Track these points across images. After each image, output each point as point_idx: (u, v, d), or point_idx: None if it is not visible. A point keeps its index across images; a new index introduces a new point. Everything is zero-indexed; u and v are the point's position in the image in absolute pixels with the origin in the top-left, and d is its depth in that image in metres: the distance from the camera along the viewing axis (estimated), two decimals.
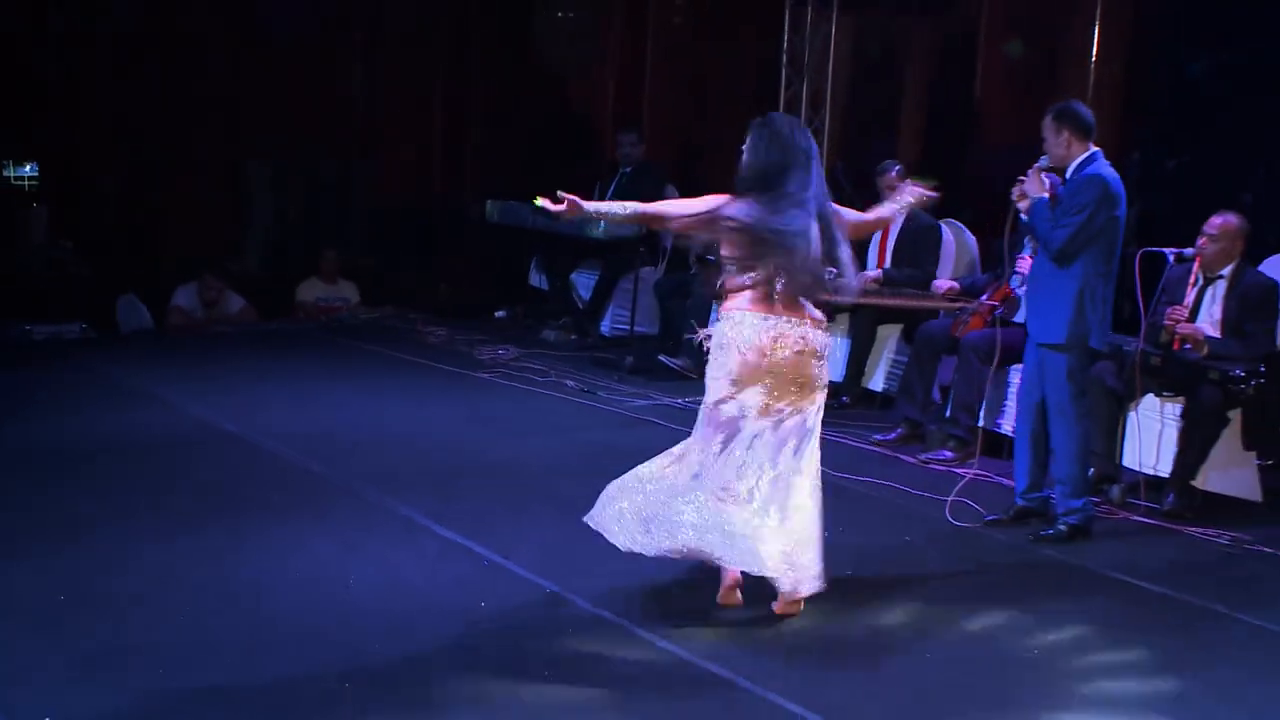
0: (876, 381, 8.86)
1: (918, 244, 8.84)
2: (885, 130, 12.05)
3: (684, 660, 4.80)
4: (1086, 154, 6.35)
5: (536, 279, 11.01)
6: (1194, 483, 6.93)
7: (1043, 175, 6.42)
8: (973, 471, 6.96)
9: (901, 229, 8.78)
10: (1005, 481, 7.05)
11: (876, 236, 8.86)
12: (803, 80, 11.44)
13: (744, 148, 5.22)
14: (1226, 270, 7.08)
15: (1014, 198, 6.48)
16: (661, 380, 9.19)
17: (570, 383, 8.96)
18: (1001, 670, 4.93)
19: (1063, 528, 6.42)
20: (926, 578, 5.83)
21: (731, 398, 5.17)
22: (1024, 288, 7.79)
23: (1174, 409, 7.02)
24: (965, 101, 11.69)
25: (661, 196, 9.72)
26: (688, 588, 5.44)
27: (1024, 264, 7.78)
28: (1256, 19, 9.34)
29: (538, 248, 10.81)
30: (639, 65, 12.60)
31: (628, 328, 10.42)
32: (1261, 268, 7.36)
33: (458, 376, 9.15)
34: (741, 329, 5.15)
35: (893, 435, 8.07)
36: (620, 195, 10.16)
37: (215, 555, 5.57)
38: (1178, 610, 5.63)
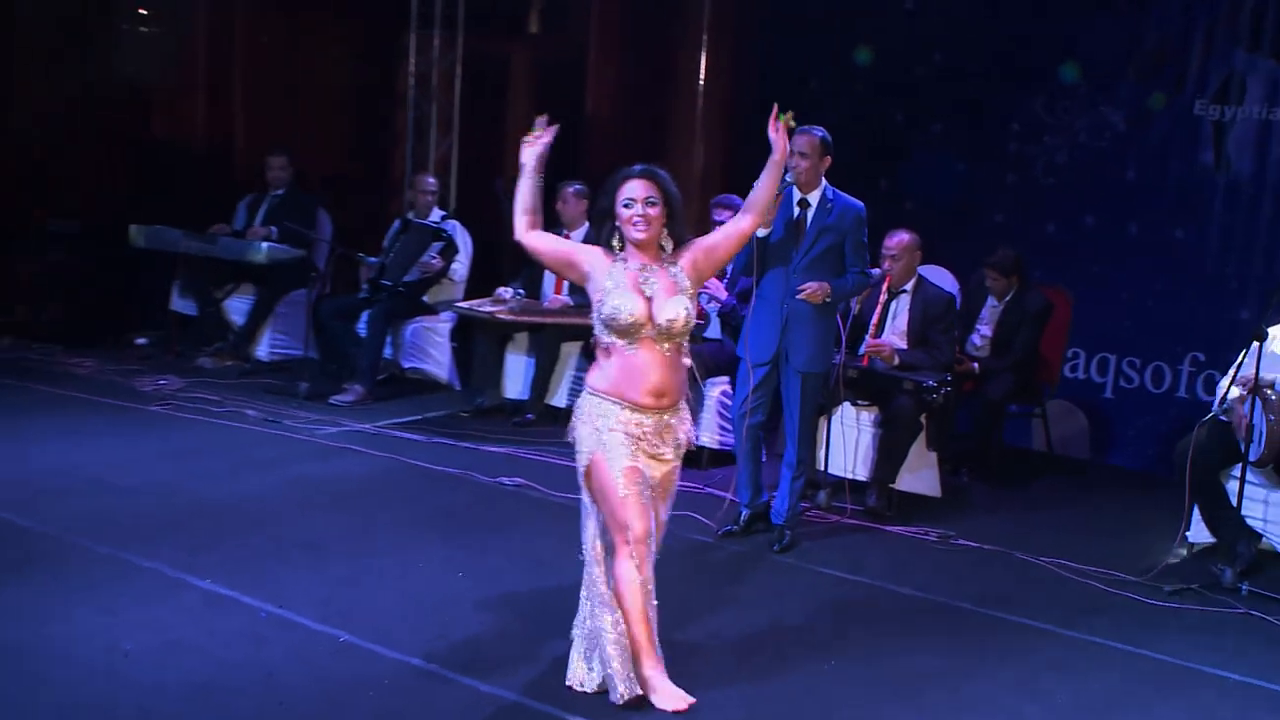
0: (560, 398, 8.77)
1: None
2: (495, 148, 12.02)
3: (515, 703, 4.56)
4: (824, 181, 6.46)
5: (180, 304, 10.22)
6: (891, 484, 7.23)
7: None
8: (697, 486, 7.18)
9: None
10: (717, 493, 7.12)
11: None
12: (431, 103, 11.19)
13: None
14: (909, 285, 7.41)
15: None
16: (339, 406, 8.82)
17: (251, 412, 8.41)
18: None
19: (788, 535, 6.56)
20: (701, 595, 5.80)
21: None
22: (713, 304, 7.90)
23: (869, 416, 7.28)
24: (575, 120, 11.76)
25: (315, 221, 9.38)
26: (492, 628, 5.25)
27: (713, 284, 7.87)
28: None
29: (183, 271, 10.04)
30: (227, 85, 11.85)
31: (288, 352, 9.95)
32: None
33: (129, 410, 8.39)
34: None
35: None
36: (271, 218, 9.69)
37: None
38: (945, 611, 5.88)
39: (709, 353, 7.88)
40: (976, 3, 10.23)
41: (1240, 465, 6.44)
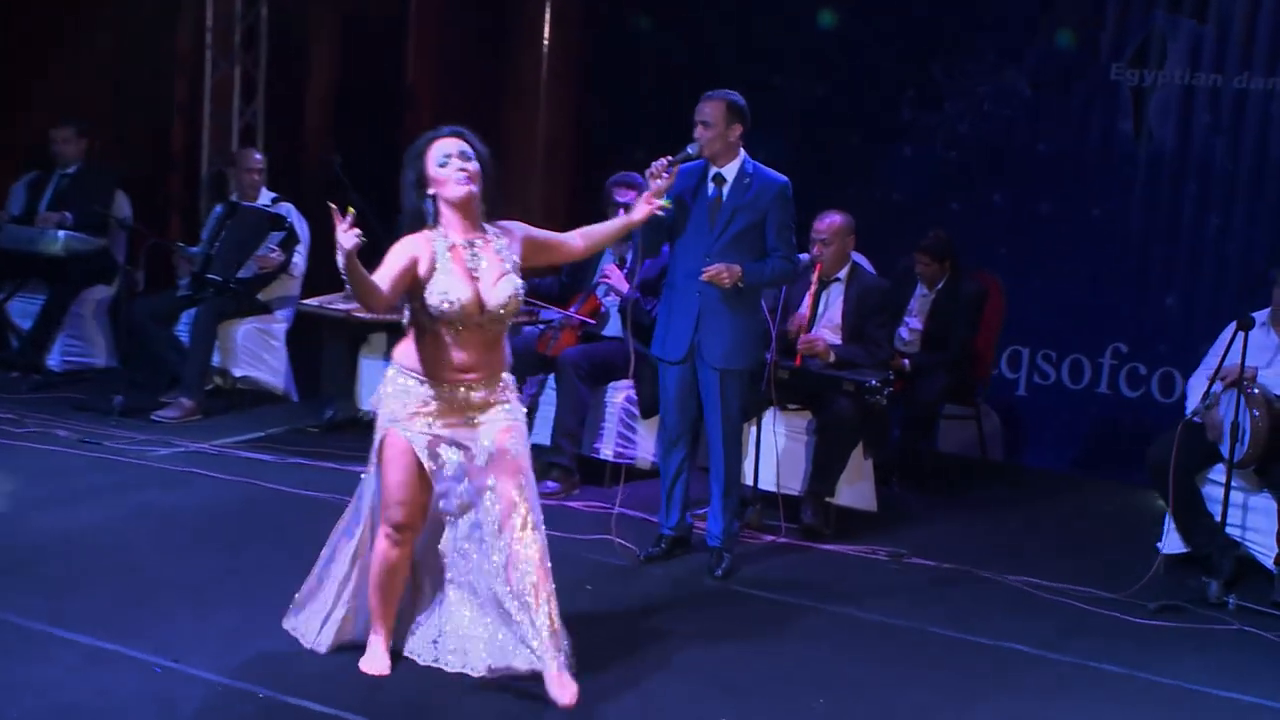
0: None
1: None
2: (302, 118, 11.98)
3: None
4: (744, 154, 6.60)
5: None
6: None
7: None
8: (585, 504, 7.51)
9: None
10: (630, 513, 7.30)
11: None
12: (233, 65, 11.08)
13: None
14: (842, 272, 7.66)
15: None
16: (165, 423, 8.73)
17: (62, 432, 8.23)
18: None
19: (726, 560, 6.74)
20: (641, 626, 5.99)
21: None
22: (611, 297, 8.04)
23: (802, 423, 7.50)
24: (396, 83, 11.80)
25: (109, 206, 9.21)
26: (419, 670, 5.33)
27: (613, 273, 8.02)
28: None
29: None
30: None
31: (83, 360, 9.82)
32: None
33: None
34: None
35: None
36: (61, 200, 9.49)
37: None
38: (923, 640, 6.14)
39: (604, 354, 7.99)
40: None
41: (1218, 469, 6.87)
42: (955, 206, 10.20)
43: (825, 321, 7.63)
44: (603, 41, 11.65)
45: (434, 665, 5.24)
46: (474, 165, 5.03)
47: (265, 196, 9.39)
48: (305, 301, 8.82)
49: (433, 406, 5.04)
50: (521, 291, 5.10)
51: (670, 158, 6.26)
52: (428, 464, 5.04)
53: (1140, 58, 9.81)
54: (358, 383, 8.97)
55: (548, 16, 11.52)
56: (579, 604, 5.92)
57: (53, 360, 9.69)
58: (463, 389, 5.06)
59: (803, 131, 10.47)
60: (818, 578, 6.83)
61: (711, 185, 6.60)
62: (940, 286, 8.66)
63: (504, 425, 5.10)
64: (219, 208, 9.41)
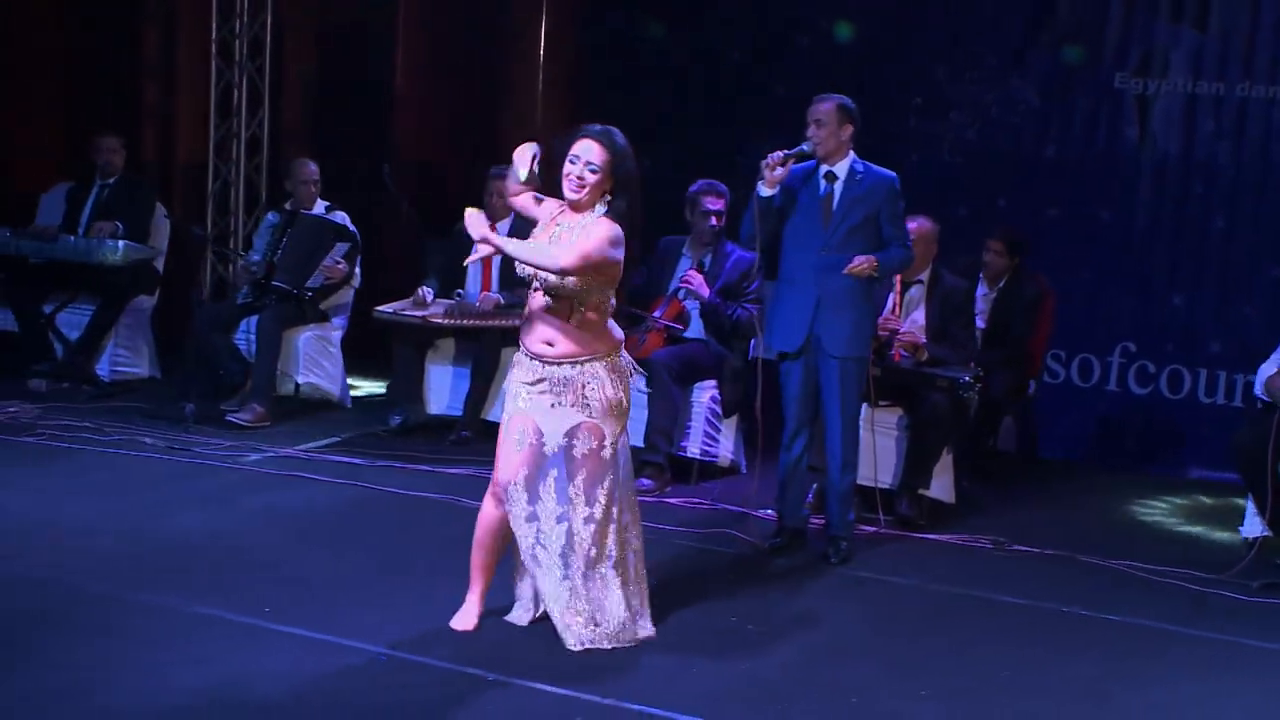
0: (496, 412, 9.02)
1: None
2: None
3: None
4: (853, 153, 7.02)
5: None
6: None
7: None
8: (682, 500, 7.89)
9: None
10: (728, 507, 7.71)
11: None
12: (242, 74, 11.25)
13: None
14: (924, 275, 8.09)
15: (764, 186, 6.90)
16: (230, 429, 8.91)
17: (148, 439, 8.39)
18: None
19: (844, 546, 7.13)
20: (780, 609, 6.38)
21: None
22: (691, 300, 8.41)
23: (892, 419, 7.91)
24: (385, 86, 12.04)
25: (150, 215, 9.39)
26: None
27: (694, 277, 8.39)
28: None
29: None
30: None
31: (130, 370, 9.93)
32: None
33: (12, 445, 8.20)
34: None
35: None
36: (102, 211, 9.62)
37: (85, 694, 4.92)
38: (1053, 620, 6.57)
39: (690, 354, 8.36)
40: None
41: None
42: (963, 212, 10.57)
43: (910, 323, 7.98)
44: (599, 44, 11.95)
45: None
46: (593, 178, 5.38)
47: (319, 206, 9.57)
48: (380, 309, 8.98)
49: (524, 376, 5.50)
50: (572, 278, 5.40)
51: (785, 151, 6.71)
52: (529, 437, 5.47)
53: (1144, 67, 10.34)
54: (426, 388, 9.22)
55: (543, 21, 11.87)
56: (727, 599, 6.37)
57: (101, 370, 9.77)
58: (550, 364, 5.46)
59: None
60: (931, 564, 7.20)
61: (823, 183, 6.99)
62: (1002, 285, 9.06)
63: (578, 424, 5.48)
64: (273, 216, 9.54)
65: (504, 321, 8.69)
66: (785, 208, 6.94)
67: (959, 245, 9.40)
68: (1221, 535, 8.13)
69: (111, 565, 6.26)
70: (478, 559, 5.67)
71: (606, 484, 5.51)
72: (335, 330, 9.64)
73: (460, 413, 9.08)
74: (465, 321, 8.81)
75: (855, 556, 7.18)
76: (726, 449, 8.56)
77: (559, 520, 5.47)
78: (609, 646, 5.49)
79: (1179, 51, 10.25)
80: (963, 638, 6.17)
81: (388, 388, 9.46)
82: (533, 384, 5.50)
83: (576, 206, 5.46)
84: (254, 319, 9.25)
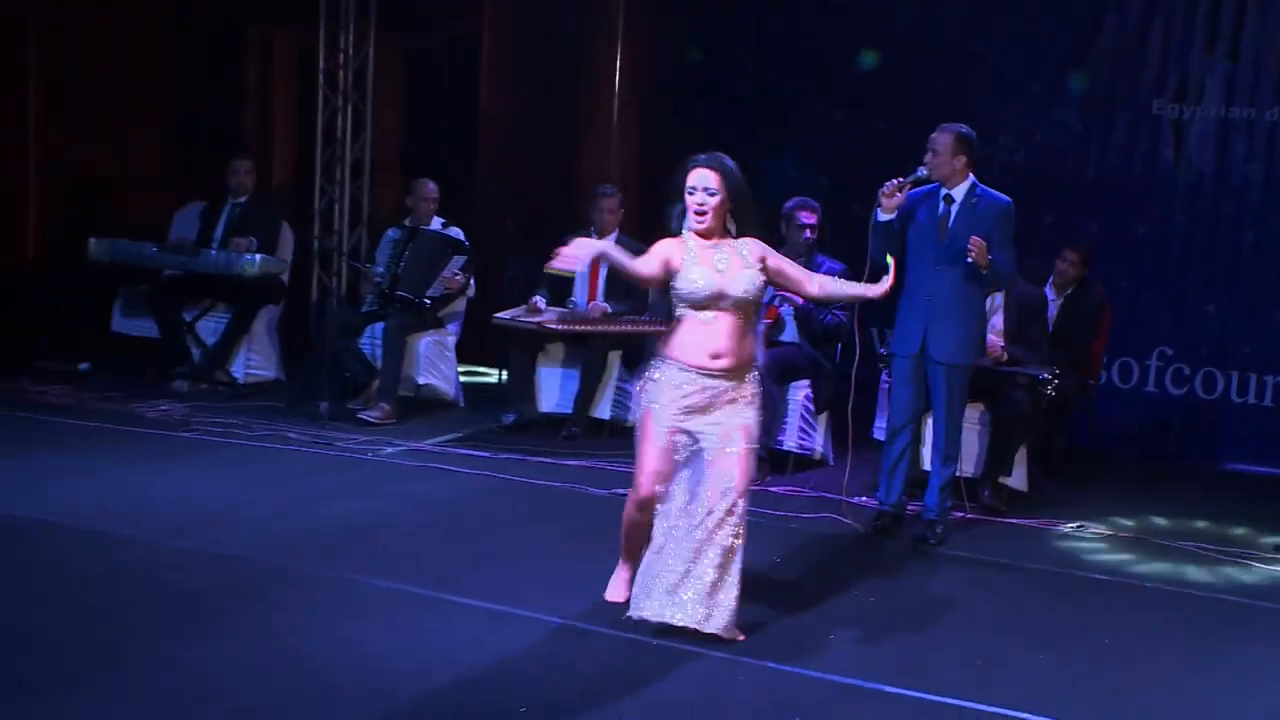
0: (603, 409, 9.29)
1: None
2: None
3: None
4: (972, 178, 7.23)
5: (126, 324, 10.21)
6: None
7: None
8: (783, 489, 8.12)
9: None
10: (827, 495, 7.93)
11: (587, 271, 9.25)
12: (348, 103, 11.43)
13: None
14: None
15: (882, 212, 7.10)
16: (362, 426, 9.13)
17: (293, 434, 8.61)
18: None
19: (940, 530, 7.34)
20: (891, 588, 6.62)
21: None
22: (786, 306, 8.61)
23: (974, 414, 8.10)
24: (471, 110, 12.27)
25: (278, 232, 9.60)
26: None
27: None
28: None
29: (141, 290, 10.04)
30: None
31: (260, 373, 10.16)
32: None
33: (168, 439, 8.49)
34: None
35: None
36: (233, 228, 9.84)
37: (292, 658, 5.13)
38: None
39: (786, 356, 8.58)
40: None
41: None
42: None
43: (990, 327, 8.20)
44: (667, 72, 12.18)
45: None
46: (714, 200, 5.51)
47: (436, 222, 9.79)
48: (498, 315, 9.21)
49: (682, 391, 5.48)
50: (760, 284, 5.54)
51: (901, 179, 6.93)
52: (669, 443, 5.50)
53: (1180, 94, 10.56)
54: (537, 388, 9.43)
55: (618, 53, 12.10)
56: (846, 577, 6.58)
57: (235, 372, 10.01)
58: (708, 376, 5.49)
59: (866, 162, 11.01)
60: (1018, 546, 7.40)
61: (941, 204, 7.21)
62: (1070, 293, 9.27)
63: (736, 424, 5.52)
64: (394, 232, 9.76)
65: (610, 327, 8.90)
66: (905, 228, 7.15)
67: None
68: (1268, 523, 8.23)
69: (294, 544, 6.49)
70: (626, 542, 5.84)
71: (742, 483, 5.55)
72: (450, 336, 9.87)
73: (570, 411, 9.29)
74: (576, 327, 9.02)
75: (949, 539, 7.37)
76: (818, 443, 8.77)
77: (697, 515, 5.50)
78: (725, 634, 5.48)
79: (1213, 79, 10.44)
80: (1064, 610, 6.39)
81: (505, 386, 9.61)
82: (691, 394, 5.52)
83: (706, 233, 5.55)
84: (378, 325, 9.43)
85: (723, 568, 5.45)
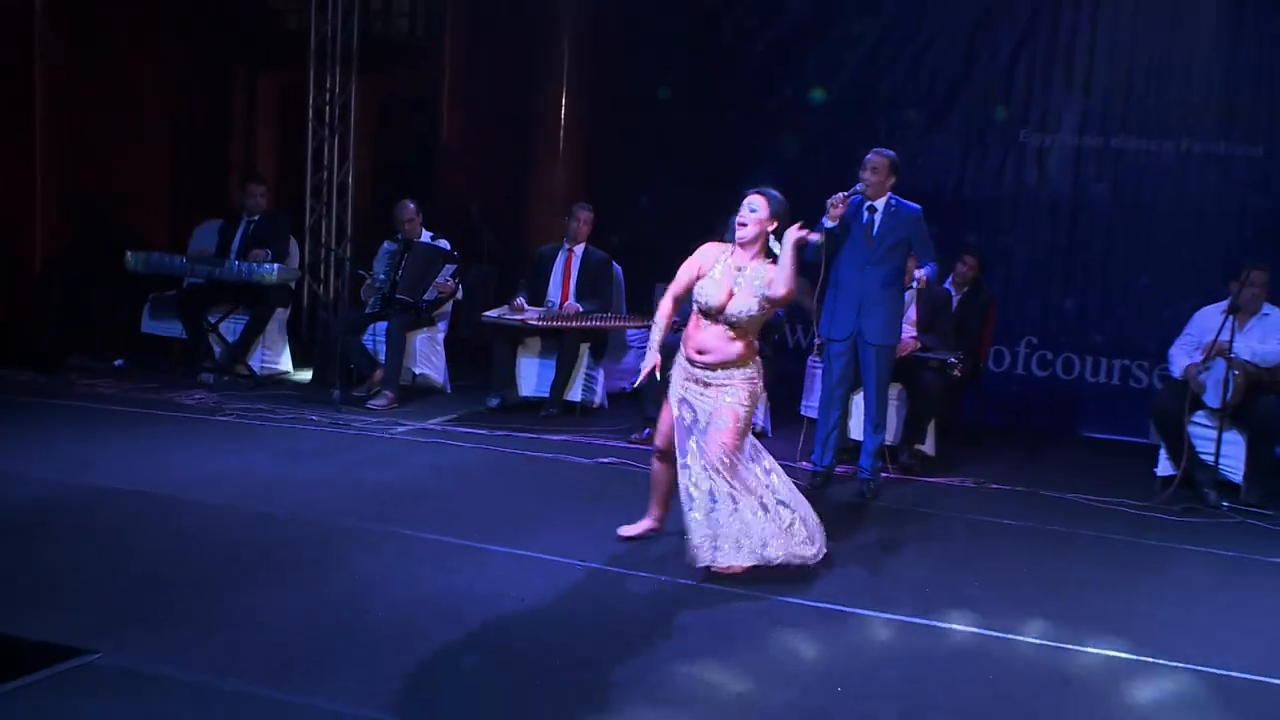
0: (575, 393, 9.75)
1: (598, 277, 9.82)
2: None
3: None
4: (890, 191, 7.83)
5: (155, 326, 10.51)
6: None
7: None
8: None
9: (581, 265, 9.76)
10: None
11: (559, 271, 9.75)
12: (334, 135, 11.82)
13: None
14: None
15: (828, 220, 7.62)
16: (370, 411, 9.46)
17: (313, 417, 8.97)
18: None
19: (874, 486, 7.94)
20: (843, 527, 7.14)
21: None
22: None
23: (894, 391, 8.68)
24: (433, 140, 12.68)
25: (287, 247, 9.97)
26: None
27: None
28: None
29: (168, 295, 10.37)
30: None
31: (276, 366, 10.50)
32: None
33: (208, 423, 8.76)
34: None
35: (646, 433, 8.92)
36: (248, 242, 10.17)
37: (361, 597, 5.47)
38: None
39: None
40: (832, 43, 11.88)
41: (1198, 415, 8.31)
42: None
43: (906, 319, 8.81)
44: (608, 108, 12.66)
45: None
46: (752, 217, 6.04)
47: (425, 235, 10.19)
48: (487, 314, 9.63)
49: (680, 371, 6.10)
50: (755, 311, 5.98)
51: (844, 193, 7.52)
52: (676, 412, 6.06)
53: (1042, 124, 11.29)
54: (518, 375, 9.88)
55: (563, 96, 12.55)
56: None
57: (254, 365, 10.32)
58: (700, 367, 6.04)
59: (789, 181, 11.55)
60: (935, 499, 8.00)
61: (866, 214, 7.78)
62: (967, 290, 9.90)
63: (717, 408, 6.01)
64: (389, 244, 10.13)
65: (581, 324, 9.38)
66: (840, 234, 7.71)
67: None
68: (1131, 476, 8.86)
69: (341, 506, 6.81)
70: (653, 492, 6.43)
71: (732, 446, 6.00)
72: (440, 332, 10.25)
73: (546, 394, 9.73)
74: (553, 323, 9.48)
75: (881, 494, 7.95)
76: (759, 417, 9.30)
77: (703, 470, 5.94)
78: (748, 563, 5.93)
79: (1069, 112, 11.16)
80: (985, 547, 6.99)
81: (492, 376, 10.01)
82: (685, 376, 6.09)
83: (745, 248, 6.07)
84: (380, 325, 9.83)
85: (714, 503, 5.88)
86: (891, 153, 7.84)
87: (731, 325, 5.99)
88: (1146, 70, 10.84)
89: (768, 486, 6.12)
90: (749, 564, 5.94)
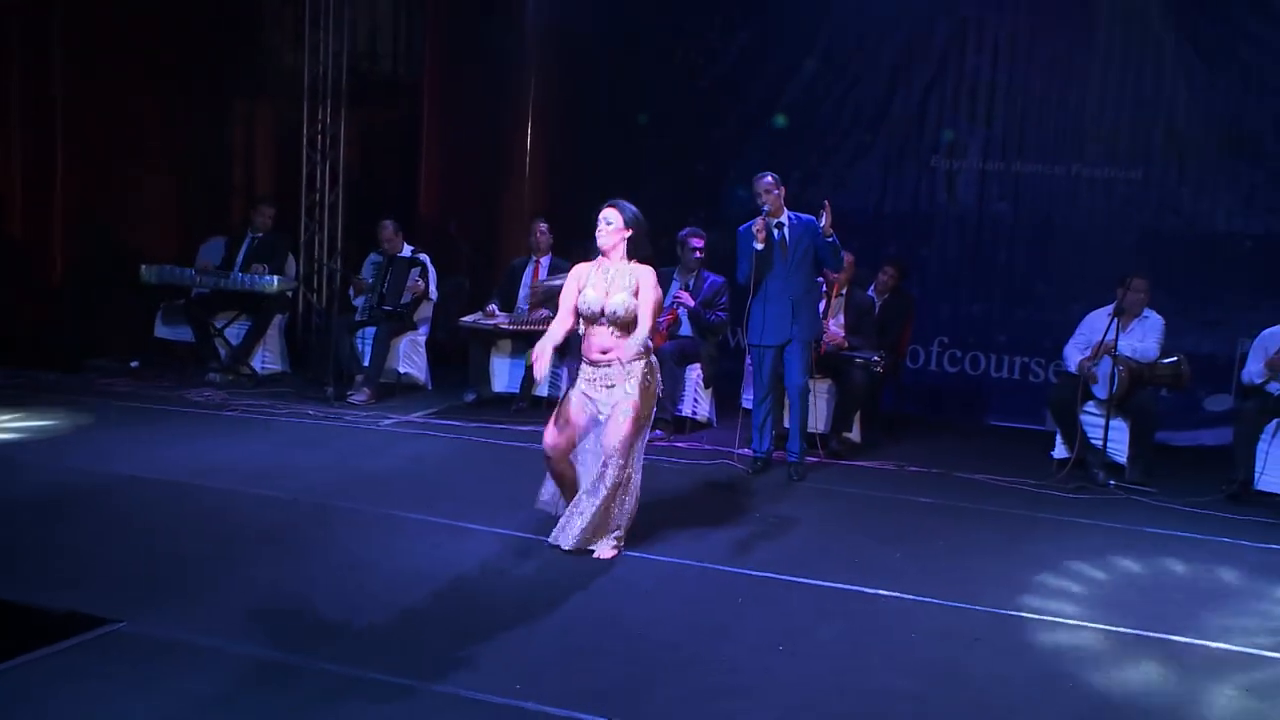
0: (542, 389, 9.71)
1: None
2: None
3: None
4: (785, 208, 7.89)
5: (166, 331, 10.43)
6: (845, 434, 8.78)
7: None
8: (688, 443, 8.61)
9: (548, 274, 9.75)
10: (720, 449, 8.49)
11: (528, 280, 9.75)
12: (325, 161, 11.78)
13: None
14: (844, 291, 8.96)
15: (757, 242, 7.71)
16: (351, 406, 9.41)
17: (310, 411, 8.92)
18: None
19: (801, 468, 7.98)
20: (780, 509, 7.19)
21: None
22: (682, 308, 9.18)
23: (824, 386, 8.75)
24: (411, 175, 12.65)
25: (285, 259, 9.93)
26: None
27: (683, 295, 9.16)
28: None
29: (180, 302, 10.28)
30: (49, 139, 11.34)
31: (274, 366, 10.41)
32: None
33: (216, 418, 8.69)
34: None
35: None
36: (253, 255, 10.11)
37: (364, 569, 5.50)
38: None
39: (682, 346, 9.12)
40: (773, 73, 11.92)
41: (1089, 404, 8.42)
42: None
43: (834, 323, 8.89)
44: (571, 134, 12.65)
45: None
46: (608, 227, 5.97)
47: (406, 249, 10.15)
48: (464, 319, 9.63)
49: (587, 375, 6.00)
50: (631, 306, 5.87)
51: (762, 218, 7.59)
52: (580, 411, 5.95)
53: (950, 151, 11.38)
54: (491, 373, 9.86)
55: (529, 130, 12.55)
56: (741, 505, 7.17)
57: (256, 366, 10.24)
58: (599, 367, 5.94)
59: (722, 212, 11.52)
60: (860, 480, 8.05)
61: (776, 231, 7.84)
62: (888, 297, 9.95)
63: (619, 400, 5.90)
64: (375, 256, 10.12)
65: (546, 328, 9.32)
66: (765, 254, 7.76)
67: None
68: (1031, 459, 8.91)
69: (337, 489, 6.81)
70: (562, 488, 6.16)
71: (630, 440, 5.89)
72: (422, 335, 10.21)
73: (517, 390, 9.71)
74: (524, 327, 9.47)
75: (809, 476, 8.00)
76: (705, 409, 9.34)
77: (598, 461, 5.90)
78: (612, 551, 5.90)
79: (974, 140, 11.25)
80: (907, 523, 7.02)
81: (468, 374, 9.96)
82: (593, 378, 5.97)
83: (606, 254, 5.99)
84: (369, 330, 9.81)
85: (609, 500, 5.83)
86: (774, 174, 7.87)
87: (614, 323, 5.89)
88: (1040, 104, 10.92)
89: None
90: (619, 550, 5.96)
